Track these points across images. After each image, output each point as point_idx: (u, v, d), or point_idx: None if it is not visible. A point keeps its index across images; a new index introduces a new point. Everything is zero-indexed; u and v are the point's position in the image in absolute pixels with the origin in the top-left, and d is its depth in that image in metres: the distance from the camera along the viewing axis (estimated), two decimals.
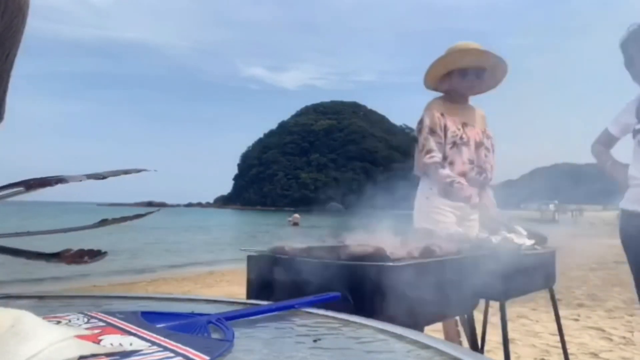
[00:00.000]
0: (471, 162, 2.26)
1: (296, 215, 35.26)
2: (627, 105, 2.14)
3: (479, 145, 2.31)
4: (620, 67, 2.04)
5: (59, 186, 0.54)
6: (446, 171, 2.20)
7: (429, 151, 2.19)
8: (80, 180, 0.54)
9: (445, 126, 2.24)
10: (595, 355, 3.13)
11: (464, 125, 2.29)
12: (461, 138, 2.25)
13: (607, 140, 2.21)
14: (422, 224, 2.11)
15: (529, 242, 1.74)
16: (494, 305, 1.92)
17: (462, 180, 2.18)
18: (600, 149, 2.23)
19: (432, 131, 2.22)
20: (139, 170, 0.59)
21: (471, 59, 2.25)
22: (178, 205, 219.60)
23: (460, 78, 2.27)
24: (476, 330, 1.77)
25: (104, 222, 0.58)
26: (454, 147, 2.24)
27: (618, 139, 2.18)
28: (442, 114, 2.26)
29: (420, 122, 2.28)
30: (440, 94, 2.38)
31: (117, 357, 0.40)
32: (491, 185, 2.37)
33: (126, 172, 0.58)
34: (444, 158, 2.23)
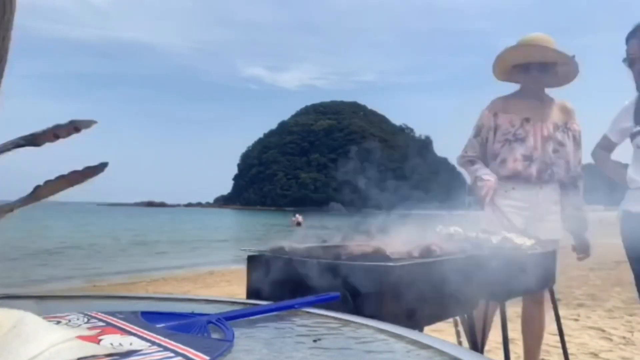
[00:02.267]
0: (527, 158, 2.17)
1: (298, 215, 36.91)
2: (622, 110, 2.13)
3: (546, 139, 2.19)
4: (619, 67, 2.03)
5: None
6: (476, 166, 2.20)
7: (465, 150, 2.30)
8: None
9: (495, 126, 2.23)
10: (595, 355, 3.13)
11: (525, 120, 2.20)
12: (515, 135, 2.18)
13: (606, 146, 2.22)
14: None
15: (529, 242, 1.73)
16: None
17: (491, 177, 2.13)
18: (601, 153, 2.24)
19: (477, 132, 2.30)
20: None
21: (532, 54, 2.17)
22: (178, 205, 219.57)
23: (523, 73, 2.22)
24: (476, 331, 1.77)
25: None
26: (505, 144, 2.20)
27: (617, 144, 2.19)
28: (495, 113, 2.25)
29: None
30: (506, 90, 2.35)
31: (117, 357, 0.40)
32: (574, 183, 2.26)
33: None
34: (495, 157, 2.22)
